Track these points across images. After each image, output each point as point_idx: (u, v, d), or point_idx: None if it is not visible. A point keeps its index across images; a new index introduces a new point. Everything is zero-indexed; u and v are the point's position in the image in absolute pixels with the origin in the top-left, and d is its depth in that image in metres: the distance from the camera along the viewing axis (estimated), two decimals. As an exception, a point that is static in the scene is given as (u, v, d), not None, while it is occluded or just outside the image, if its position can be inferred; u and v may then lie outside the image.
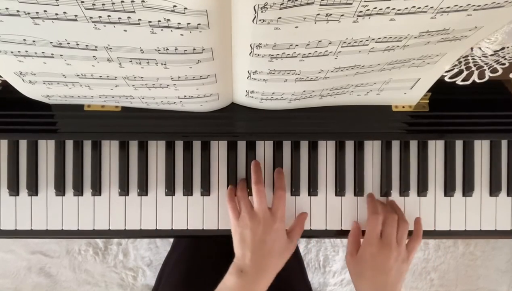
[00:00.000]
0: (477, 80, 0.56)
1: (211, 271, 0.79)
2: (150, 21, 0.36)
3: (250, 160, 0.66)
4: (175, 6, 0.34)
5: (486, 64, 0.55)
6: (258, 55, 0.43)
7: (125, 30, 0.37)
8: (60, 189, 0.66)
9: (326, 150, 0.67)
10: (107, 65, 0.44)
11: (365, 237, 0.63)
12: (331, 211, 0.67)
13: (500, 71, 0.55)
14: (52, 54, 0.43)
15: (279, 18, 0.36)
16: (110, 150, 0.66)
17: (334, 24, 0.37)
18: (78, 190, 0.66)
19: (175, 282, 0.77)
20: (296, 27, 0.37)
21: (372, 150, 0.67)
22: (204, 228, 0.66)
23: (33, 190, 0.65)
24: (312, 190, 0.66)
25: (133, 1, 0.33)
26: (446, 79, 0.56)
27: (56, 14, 0.35)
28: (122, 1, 0.33)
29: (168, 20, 0.36)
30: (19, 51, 0.43)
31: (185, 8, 0.34)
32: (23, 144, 0.66)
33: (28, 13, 0.35)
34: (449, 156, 0.67)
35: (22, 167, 0.66)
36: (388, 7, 0.36)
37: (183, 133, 0.63)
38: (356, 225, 0.66)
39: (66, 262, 1.40)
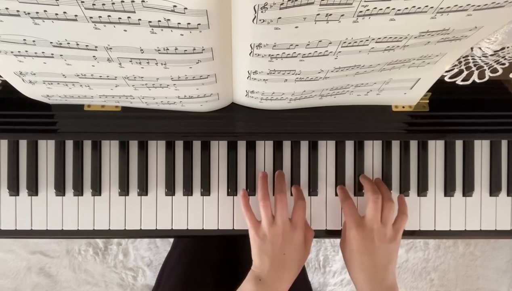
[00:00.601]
0: (477, 80, 0.56)
1: (211, 271, 0.79)
2: (150, 21, 0.36)
3: (250, 160, 0.66)
4: (175, 6, 0.34)
5: (486, 64, 0.55)
6: (258, 55, 0.43)
7: (125, 30, 0.37)
8: (60, 189, 0.66)
9: (326, 150, 0.67)
10: (107, 65, 0.44)
11: (346, 223, 0.61)
12: (331, 211, 0.67)
13: (500, 71, 0.55)
14: (52, 54, 0.43)
15: (279, 18, 0.36)
16: (110, 150, 0.66)
17: (334, 24, 0.37)
18: (78, 190, 0.66)
19: (175, 282, 0.77)
20: (296, 27, 0.37)
21: (372, 149, 0.67)
22: (204, 228, 0.66)
23: (33, 190, 0.65)
24: (312, 190, 0.66)
25: (133, 1, 0.33)
26: (446, 79, 0.56)
27: (56, 14, 0.35)
28: (122, 1, 0.33)
29: (168, 20, 0.36)
30: (19, 51, 0.43)
31: (185, 8, 0.34)
32: (23, 144, 0.66)
33: (28, 13, 0.35)
34: (449, 156, 0.67)
35: (22, 167, 0.66)
36: (388, 7, 0.36)
37: (183, 133, 0.63)
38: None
39: (66, 262, 1.40)
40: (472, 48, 0.51)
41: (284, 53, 0.42)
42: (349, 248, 0.60)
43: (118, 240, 1.39)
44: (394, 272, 0.59)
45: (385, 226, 0.60)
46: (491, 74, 0.56)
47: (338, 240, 1.46)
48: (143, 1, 0.33)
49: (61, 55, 0.43)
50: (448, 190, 0.67)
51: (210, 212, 0.66)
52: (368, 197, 0.61)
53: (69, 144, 0.66)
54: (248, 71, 0.47)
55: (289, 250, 0.58)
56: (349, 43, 0.41)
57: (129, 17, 0.36)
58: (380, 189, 0.63)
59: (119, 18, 0.36)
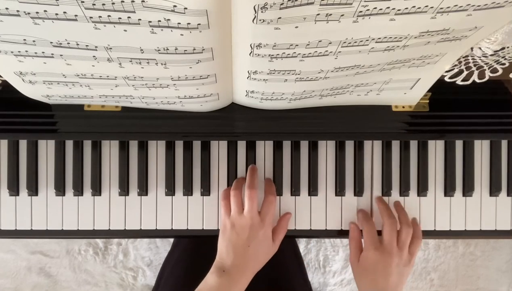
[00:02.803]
0: (477, 80, 0.56)
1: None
2: (150, 21, 0.36)
3: (250, 160, 0.66)
4: (175, 6, 0.34)
5: (486, 64, 0.55)
6: (258, 55, 0.43)
7: (125, 30, 0.37)
8: (60, 189, 0.66)
9: (326, 150, 0.67)
10: (107, 65, 0.44)
11: (365, 243, 0.63)
12: (331, 211, 0.67)
13: (500, 71, 0.55)
14: (52, 54, 0.43)
15: (279, 18, 0.36)
16: (110, 150, 0.66)
17: (334, 24, 0.37)
18: (78, 190, 0.66)
19: (175, 282, 0.77)
20: (296, 27, 0.37)
21: (372, 150, 0.67)
22: (204, 228, 0.66)
23: (33, 190, 0.65)
24: (312, 190, 0.66)
25: (133, 1, 0.33)
26: (446, 79, 0.56)
27: (56, 14, 0.35)
28: (122, 1, 0.34)
29: (168, 20, 0.36)
30: (19, 51, 0.43)
31: (185, 8, 0.34)
32: (23, 144, 0.66)
33: (28, 13, 0.35)
34: (449, 156, 0.67)
35: (22, 167, 0.66)
36: (388, 7, 0.36)
37: (183, 133, 0.63)
38: (354, 227, 0.66)
39: (66, 262, 1.40)
40: (472, 48, 0.51)
41: (284, 53, 0.42)
42: (363, 265, 0.62)
43: (118, 240, 1.39)
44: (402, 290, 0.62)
45: (402, 251, 0.62)
46: (491, 74, 0.55)
47: (338, 240, 1.46)
48: (143, 1, 0.33)
49: (61, 55, 0.43)
50: (448, 190, 0.67)
51: (210, 212, 0.66)
52: (384, 221, 0.63)
53: (69, 144, 0.66)
54: (248, 71, 0.47)
55: (254, 244, 0.59)
56: (349, 43, 0.41)
57: (129, 17, 0.36)
58: (399, 214, 0.65)
59: (119, 18, 0.36)
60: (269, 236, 0.61)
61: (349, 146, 0.67)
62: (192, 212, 0.66)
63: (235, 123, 0.62)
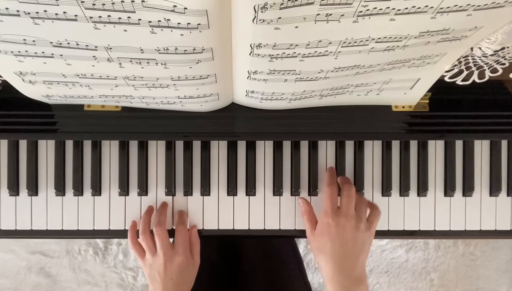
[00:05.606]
0: (477, 80, 0.56)
1: (211, 271, 0.79)
2: (150, 21, 0.36)
3: (250, 160, 0.66)
4: (175, 6, 0.34)
5: (486, 64, 0.55)
6: (258, 55, 0.43)
7: (125, 30, 0.37)
8: (60, 189, 0.66)
9: (326, 150, 0.67)
10: (107, 65, 0.44)
11: (324, 208, 0.61)
12: (331, 211, 0.67)
13: (500, 71, 0.55)
14: (52, 54, 0.43)
15: (279, 18, 0.36)
16: (110, 150, 0.66)
17: (334, 24, 0.37)
18: (78, 190, 0.66)
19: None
20: (296, 27, 0.37)
21: (372, 150, 0.67)
22: (204, 228, 0.66)
23: (33, 190, 0.65)
24: (312, 190, 0.66)
25: (133, 1, 0.33)
26: (446, 79, 0.56)
27: (56, 14, 0.35)
28: (122, 1, 0.34)
29: (168, 20, 0.36)
30: (19, 51, 0.43)
31: (185, 8, 0.34)
32: (23, 144, 0.66)
33: (28, 13, 0.35)
34: (449, 156, 0.67)
35: (22, 167, 0.66)
36: (388, 7, 0.36)
37: (183, 133, 0.63)
38: (303, 201, 0.64)
39: (66, 262, 1.40)
40: (472, 48, 0.51)
41: (284, 53, 0.42)
42: (320, 236, 0.60)
43: (118, 240, 1.39)
44: (364, 264, 0.59)
45: (359, 216, 0.60)
46: (491, 74, 0.56)
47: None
48: (143, 1, 0.33)
49: (61, 55, 0.43)
50: (448, 190, 0.67)
51: (210, 211, 0.66)
52: (342, 188, 0.61)
53: (69, 144, 0.66)
54: (248, 71, 0.47)
55: (175, 275, 0.61)
56: (349, 43, 0.41)
57: (129, 17, 0.36)
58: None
59: (119, 18, 0.36)
60: (187, 261, 0.63)
61: (349, 146, 0.67)
62: (192, 212, 0.66)
63: (235, 123, 0.62)
